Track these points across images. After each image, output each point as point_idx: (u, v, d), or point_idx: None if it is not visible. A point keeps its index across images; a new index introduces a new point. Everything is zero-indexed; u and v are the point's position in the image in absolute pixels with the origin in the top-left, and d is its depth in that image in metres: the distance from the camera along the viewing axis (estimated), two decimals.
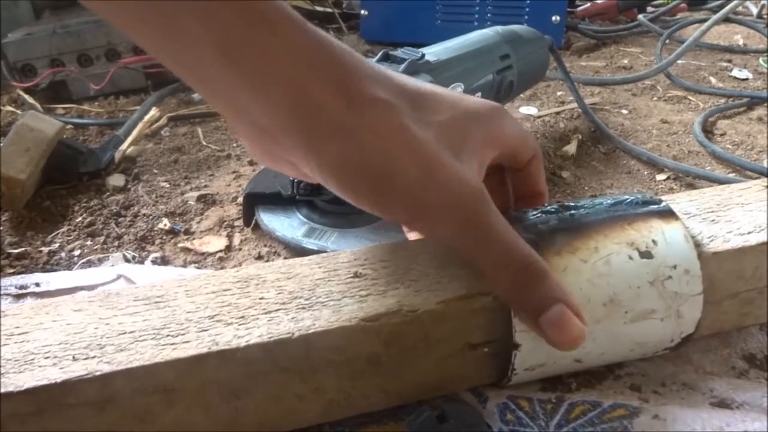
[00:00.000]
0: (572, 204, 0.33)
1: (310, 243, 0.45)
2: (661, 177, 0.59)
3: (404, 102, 0.29)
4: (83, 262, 0.47)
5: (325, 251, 0.39)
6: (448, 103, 0.31)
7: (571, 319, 0.27)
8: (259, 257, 0.47)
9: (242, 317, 0.28)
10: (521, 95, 0.74)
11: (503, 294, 0.29)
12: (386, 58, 0.48)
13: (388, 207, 0.29)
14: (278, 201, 0.48)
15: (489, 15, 0.98)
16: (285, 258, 0.47)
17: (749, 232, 0.33)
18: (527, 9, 0.97)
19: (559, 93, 0.82)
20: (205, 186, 0.58)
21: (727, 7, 0.88)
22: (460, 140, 0.30)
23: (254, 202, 0.49)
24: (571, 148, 0.64)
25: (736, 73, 0.89)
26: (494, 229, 0.28)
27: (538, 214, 0.32)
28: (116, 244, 0.49)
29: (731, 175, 0.58)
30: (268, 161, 0.32)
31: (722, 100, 0.78)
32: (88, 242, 0.49)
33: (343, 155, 0.27)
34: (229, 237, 0.50)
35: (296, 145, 0.28)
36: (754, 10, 1.19)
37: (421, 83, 0.31)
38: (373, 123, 0.27)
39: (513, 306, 0.29)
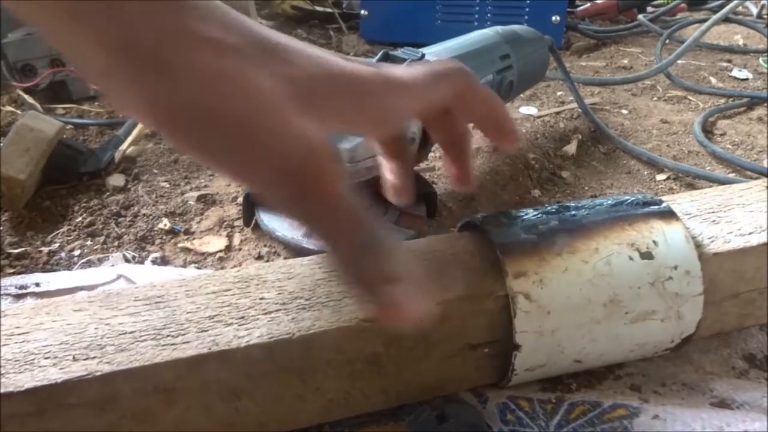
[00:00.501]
0: (572, 204, 0.33)
1: (310, 243, 0.45)
2: (661, 177, 0.59)
3: (250, 48, 0.26)
4: (83, 262, 0.47)
5: (325, 251, 0.39)
6: (314, 60, 0.28)
7: (408, 301, 0.25)
8: (259, 257, 0.47)
9: (242, 317, 0.28)
10: (521, 95, 0.74)
11: (338, 261, 0.26)
12: (386, 58, 0.48)
13: (213, 156, 0.26)
14: None
15: (489, 15, 0.98)
16: (285, 258, 0.47)
17: (750, 233, 0.33)
18: (527, 9, 0.97)
19: (559, 93, 0.81)
20: (205, 186, 0.58)
21: (727, 7, 0.88)
22: (316, 99, 0.27)
23: (254, 202, 0.49)
24: (571, 148, 0.64)
25: (736, 73, 0.89)
26: (335, 193, 0.26)
27: (539, 215, 0.32)
28: (116, 244, 0.49)
29: (731, 175, 0.58)
30: (123, 108, 0.29)
31: (722, 100, 0.78)
32: (88, 242, 0.49)
33: (169, 97, 0.25)
34: (229, 237, 0.50)
35: (124, 87, 0.26)
36: (754, 10, 1.19)
37: (289, 38, 0.28)
38: (204, 64, 0.25)
39: (347, 276, 0.26)
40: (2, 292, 0.42)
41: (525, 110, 0.75)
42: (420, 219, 0.48)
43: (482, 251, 0.32)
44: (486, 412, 0.31)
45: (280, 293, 0.30)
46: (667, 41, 0.97)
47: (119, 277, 0.43)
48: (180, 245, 0.49)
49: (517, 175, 0.58)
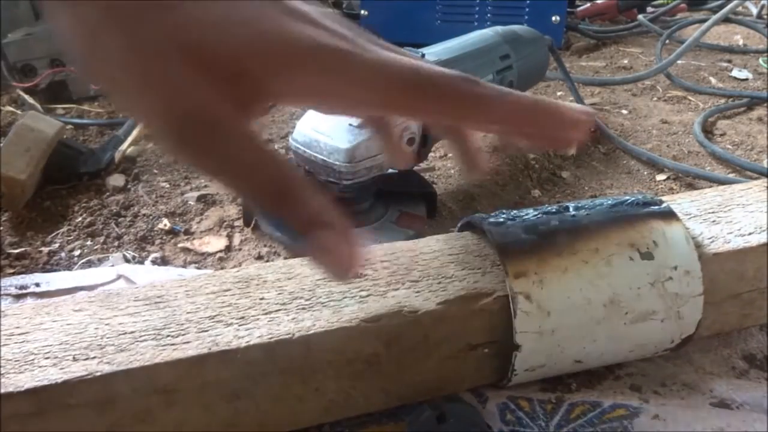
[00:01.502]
0: (572, 204, 0.33)
1: None
2: (661, 177, 0.59)
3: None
4: (83, 262, 0.47)
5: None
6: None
7: (339, 245, 0.24)
8: (259, 257, 0.47)
9: (242, 318, 0.28)
10: None
11: (256, 207, 0.25)
12: None
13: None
14: None
15: (489, 15, 0.98)
16: (285, 258, 0.47)
17: (750, 233, 0.33)
18: (527, 9, 0.97)
19: (559, 93, 0.81)
20: (205, 186, 0.58)
21: (727, 7, 0.88)
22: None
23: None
24: (571, 148, 0.64)
25: (736, 73, 0.89)
26: (238, 136, 0.24)
27: (539, 215, 0.32)
28: (116, 244, 0.49)
29: (731, 176, 0.58)
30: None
31: (722, 100, 0.78)
32: (88, 242, 0.49)
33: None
34: (229, 237, 0.50)
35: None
36: (754, 10, 1.19)
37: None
38: None
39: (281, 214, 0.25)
40: (2, 292, 0.42)
41: None
42: (420, 219, 0.48)
43: (482, 251, 0.32)
44: (486, 412, 0.31)
45: (280, 293, 0.30)
46: (667, 41, 0.97)
47: (119, 277, 0.43)
48: (180, 245, 0.49)
49: (517, 175, 0.58)
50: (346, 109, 0.32)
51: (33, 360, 0.26)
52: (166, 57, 0.23)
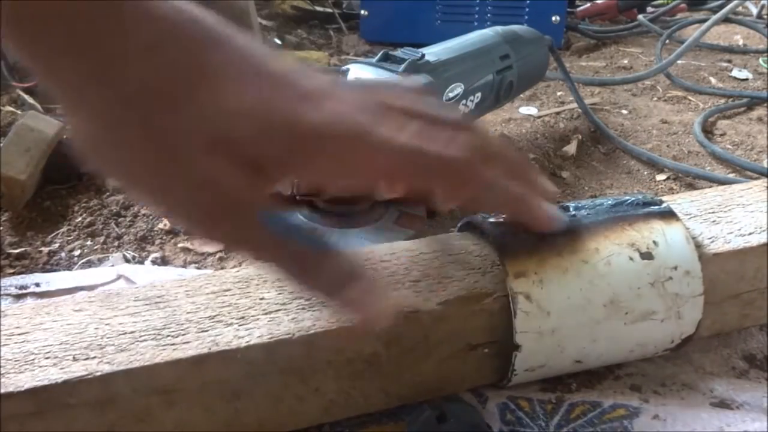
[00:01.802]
0: (572, 204, 0.33)
1: None
2: (661, 177, 0.59)
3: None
4: (83, 262, 0.47)
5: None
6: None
7: (368, 295, 0.26)
8: None
9: (242, 318, 0.28)
10: (521, 95, 0.74)
11: (290, 282, 0.27)
12: (386, 58, 0.48)
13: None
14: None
15: (489, 15, 0.98)
16: None
17: (750, 233, 0.33)
18: (527, 9, 0.97)
19: (559, 93, 0.81)
20: None
21: (727, 7, 0.88)
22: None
23: None
24: (571, 148, 0.64)
25: (736, 73, 0.89)
26: (247, 227, 0.26)
27: None
28: (116, 244, 0.49)
29: (731, 176, 0.58)
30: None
31: (722, 100, 0.78)
32: (88, 242, 0.49)
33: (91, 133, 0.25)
34: None
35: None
36: (754, 10, 1.19)
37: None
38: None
39: (306, 289, 0.27)
40: (2, 292, 0.42)
41: (525, 110, 0.75)
42: (420, 219, 0.48)
43: (482, 251, 0.32)
44: (486, 412, 0.31)
45: (280, 293, 0.30)
46: (667, 41, 0.97)
47: (119, 277, 0.43)
48: (180, 245, 0.49)
49: None
50: (357, 188, 0.34)
51: (33, 360, 0.26)
52: (190, 146, 0.24)
